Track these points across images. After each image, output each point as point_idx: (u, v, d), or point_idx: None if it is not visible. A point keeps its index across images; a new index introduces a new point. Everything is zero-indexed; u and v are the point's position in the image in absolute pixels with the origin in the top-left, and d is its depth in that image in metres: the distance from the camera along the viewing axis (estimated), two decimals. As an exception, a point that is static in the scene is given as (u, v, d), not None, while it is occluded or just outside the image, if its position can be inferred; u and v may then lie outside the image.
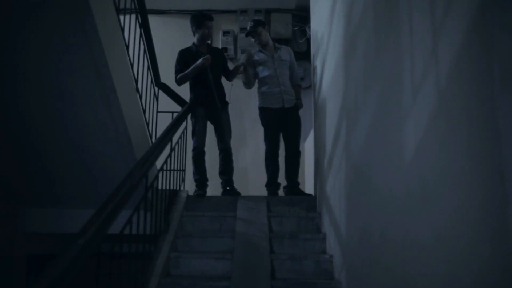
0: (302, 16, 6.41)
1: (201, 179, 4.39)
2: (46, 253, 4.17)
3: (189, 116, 4.38)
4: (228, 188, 4.43)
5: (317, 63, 4.36)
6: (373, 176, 2.29)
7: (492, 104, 1.17)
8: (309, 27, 5.67)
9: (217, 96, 4.43)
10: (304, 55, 6.21)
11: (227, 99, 4.59)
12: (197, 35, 4.57)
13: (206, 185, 4.43)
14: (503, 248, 1.12)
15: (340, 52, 3.26)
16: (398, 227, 1.88)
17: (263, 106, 4.50)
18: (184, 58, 4.50)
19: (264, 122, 4.52)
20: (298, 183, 4.48)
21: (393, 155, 1.97)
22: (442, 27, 1.48)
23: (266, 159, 4.48)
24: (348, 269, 2.88)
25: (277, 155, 4.46)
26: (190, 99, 4.48)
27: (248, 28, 4.62)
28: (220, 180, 4.49)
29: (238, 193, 4.40)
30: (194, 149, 4.38)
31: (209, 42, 4.74)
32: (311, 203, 4.26)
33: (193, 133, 4.42)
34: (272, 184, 4.47)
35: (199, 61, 4.36)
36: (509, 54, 1.09)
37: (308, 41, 6.05)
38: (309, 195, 4.41)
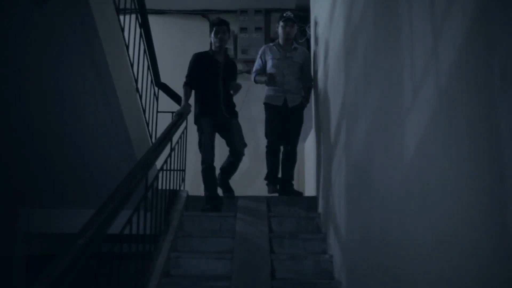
0: (302, 16, 6.40)
1: (211, 196, 4.12)
2: (46, 253, 4.17)
3: (189, 116, 4.32)
4: (224, 188, 4.34)
5: (317, 62, 4.36)
6: (373, 176, 2.29)
7: (492, 104, 1.17)
8: (309, 27, 5.67)
9: (224, 106, 4.22)
10: (304, 55, 6.20)
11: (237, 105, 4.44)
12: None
13: (218, 202, 4.15)
14: (503, 249, 1.12)
15: (340, 52, 3.26)
16: (398, 227, 1.88)
17: (266, 102, 4.47)
18: (197, 62, 4.25)
19: (267, 117, 4.48)
20: (291, 184, 4.48)
21: (393, 155, 1.97)
22: (442, 27, 1.48)
23: (266, 152, 4.46)
24: (348, 269, 2.88)
25: (278, 150, 4.45)
26: (195, 110, 4.24)
27: (287, 14, 4.54)
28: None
29: (233, 195, 4.32)
30: (202, 163, 4.13)
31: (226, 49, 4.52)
32: (311, 203, 4.26)
33: (200, 147, 4.18)
34: (270, 179, 4.46)
35: (181, 110, 4.09)
36: (509, 54, 1.09)
37: (308, 41, 6.04)
38: (300, 193, 4.47)
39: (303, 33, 6.33)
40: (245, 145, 4.32)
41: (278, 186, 4.49)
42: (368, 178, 2.39)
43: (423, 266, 1.61)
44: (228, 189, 4.36)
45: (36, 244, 4.57)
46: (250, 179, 5.96)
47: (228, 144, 4.29)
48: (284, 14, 4.52)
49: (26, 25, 2.71)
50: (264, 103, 4.49)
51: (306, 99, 4.53)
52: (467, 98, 1.31)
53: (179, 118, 3.94)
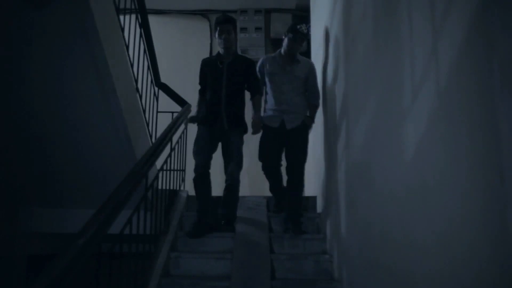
0: (302, 16, 6.42)
1: (200, 208, 3.70)
2: (46, 253, 4.18)
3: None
4: (223, 222, 3.76)
5: (317, 63, 4.36)
6: (373, 176, 2.29)
7: (492, 104, 1.17)
8: (309, 27, 5.67)
9: (226, 115, 3.71)
10: (304, 55, 6.19)
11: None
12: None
13: (208, 219, 3.68)
14: (503, 249, 1.12)
15: (340, 52, 3.26)
16: (398, 227, 1.88)
17: (263, 122, 3.89)
18: (203, 69, 3.92)
19: (260, 139, 3.95)
20: (300, 222, 3.79)
21: (393, 155, 1.97)
22: (442, 27, 1.48)
23: (264, 173, 4.03)
24: (348, 269, 2.88)
25: (275, 168, 3.96)
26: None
27: (302, 28, 3.88)
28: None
29: (233, 230, 3.70)
30: (194, 170, 3.77)
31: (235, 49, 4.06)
32: (311, 203, 4.26)
33: (193, 153, 3.81)
34: (274, 192, 4.06)
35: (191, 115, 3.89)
36: (509, 54, 1.09)
37: (308, 41, 6.05)
38: (304, 232, 3.76)
39: (303, 33, 6.33)
40: (240, 166, 3.74)
41: (281, 207, 4.01)
42: (368, 178, 2.39)
43: (423, 266, 1.61)
44: (228, 222, 3.78)
45: (36, 244, 4.57)
46: (250, 179, 5.96)
47: (224, 159, 3.83)
48: (298, 27, 3.88)
49: (27, 27, 2.71)
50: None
51: (311, 119, 3.93)
52: (467, 98, 1.31)
53: (190, 121, 3.94)
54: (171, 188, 3.91)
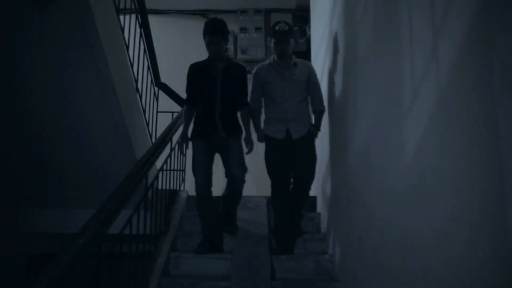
0: (302, 16, 6.43)
1: (206, 230, 3.51)
2: (46, 253, 4.18)
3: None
4: (226, 220, 3.69)
5: (317, 63, 4.36)
6: (373, 176, 2.29)
7: (492, 104, 1.17)
8: (309, 27, 5.68)
9: (222, 123, 3.47)
10: (304, 55, 6.21)
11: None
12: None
13: (214, 239, 3.50)
14: (502, 248, 1.12)
15: (340, 52, 3.26)
16: (398, 227, 1.88)
17: (266, 133, 3.61)
18: (192, 74, 3.58)
19: (266, 151, 3.63)
20: (299, 225, 3.72)
21: (393, 154, 1.97)
22: (442, 27, 1.48)
23: (271, 196, 3.67)
24: (348, 269, 2.88)
25: (286, 193, 3.60)
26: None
27: (281, 27, 3.60)
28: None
29: (235, 231, 3.70)
30: (195, 191, 3.54)
31: (228, 55, 3.77)
32: (311, 203, 4.26)
33: (193, 170, 3.53)
34: (278, 236, 3.59)
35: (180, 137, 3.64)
36: (509, 54, 1.09)
37: (308, 41, 6.06)
38: (304, 232, 3.72)
39: (303, 33, 6.33)
40: (244, 169, 3.58)
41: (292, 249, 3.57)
42: (368, 177, 2.39)
43: (423, 266, 1.61)
44: (230, 222, 3.72)
45: (36, 244, 4.57)
46: (250, 178, 5.95)
47: (224, 166, 3.61)
48: (277, 28, 3.59)
49: (27, 27, 2.72)
50: (265, 134, 3.64)
51: (317, 127, 3.63)
52: (467, 98, 1.31)
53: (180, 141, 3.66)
54: (171, 188, 3.91)
